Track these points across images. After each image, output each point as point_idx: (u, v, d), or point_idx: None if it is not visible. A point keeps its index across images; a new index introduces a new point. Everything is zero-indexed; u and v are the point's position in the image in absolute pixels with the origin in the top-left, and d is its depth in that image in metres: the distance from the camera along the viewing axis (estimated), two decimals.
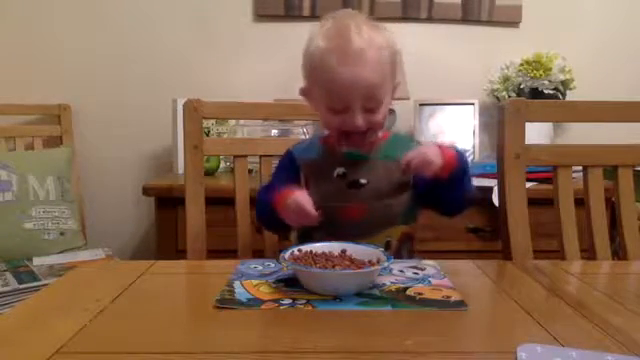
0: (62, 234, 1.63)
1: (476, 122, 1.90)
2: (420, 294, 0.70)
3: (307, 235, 0.87)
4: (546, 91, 1.83)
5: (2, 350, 0.54)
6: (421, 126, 1.93)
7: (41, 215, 1.61)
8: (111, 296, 0.69)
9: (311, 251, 0.78)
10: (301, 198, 0.81)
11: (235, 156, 1.14)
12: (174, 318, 0.65)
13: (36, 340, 0.56)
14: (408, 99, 1.85)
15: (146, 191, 1.56)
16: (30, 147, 1.86)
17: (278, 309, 0.65)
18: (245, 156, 1.15)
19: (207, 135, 1.75)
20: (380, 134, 0.91)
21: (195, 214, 1.08)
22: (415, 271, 0.80)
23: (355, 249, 0.78)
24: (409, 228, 0.92)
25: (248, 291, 0.70)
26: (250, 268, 0.81)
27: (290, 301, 0.67)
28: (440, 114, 1.93)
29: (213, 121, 1.80)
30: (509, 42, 1.99)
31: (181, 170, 1.46)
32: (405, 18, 1.97)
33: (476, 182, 1.57)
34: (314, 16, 1.94)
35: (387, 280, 0.75)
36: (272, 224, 0.95)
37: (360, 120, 0.82)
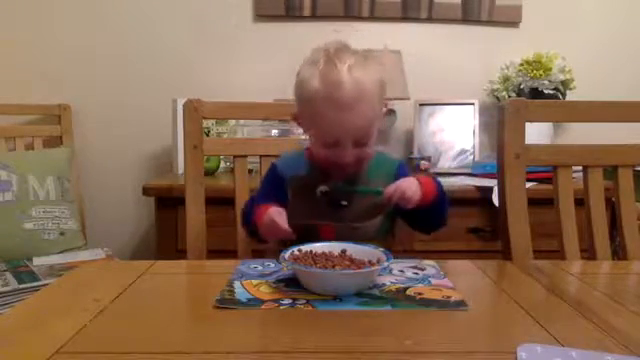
0: (62, 234, 1.63)
1: (476, 122, 1.90)
2: (420, 294, 0.70)
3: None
4: (546, 91, 1.83)
5: (2, 350, 0.54)
6: (421, 126, 1.93)
7: (41, 215, 1.61)
8: (111, 296, 0.69)
9: (311, 251, 0.78)
10: (275, 214, 0.83)
11: (235, 156, 1.15)
12: (174, 318, 0.65)
13: (36, 340, 0.56)
14: (408, 99, 1.85)
15: (146, 191, 1.56)
16: (30, 147, 1.86)
17: (278, 309, 0.65)
18: (245, 156, 1.15)
19: (207, 135, 1.75)
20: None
21: (195, 214, 1.08)
22: (415, 271, 0.80)
23: (355, 249, 0.78)
24: (386, 243, 0.92)
25: (248, 291, 0.70)
26: (250, 268, 0.81)
27: (290, 301, 0.67)
28: (440, 114, 1.93)
29: (213, 121, 1.80)
30: (509, 42, 1.99)
31: (181, 170, 1.46)
32: (405, 18, 1.97)
33: (476, 182, 1.59)
34: (314, 16, 1.95)
35: (387, 280, 0.75)
36: (254, 236, 0.97)
37: (349, 156, 0.86)
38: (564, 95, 1.85)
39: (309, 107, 0.86)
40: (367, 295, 0.69)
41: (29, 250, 1.56)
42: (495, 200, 1.43)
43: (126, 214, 2.01)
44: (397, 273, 0.78)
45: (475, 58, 2.00)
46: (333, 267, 0.72)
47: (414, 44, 1.96)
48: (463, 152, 1.90)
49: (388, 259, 0.73)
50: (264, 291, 0.71)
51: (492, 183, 1.46)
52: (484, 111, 1.94)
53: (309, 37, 1.91)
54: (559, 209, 1.02)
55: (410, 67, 1.86)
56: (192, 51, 1.98)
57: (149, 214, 1.91)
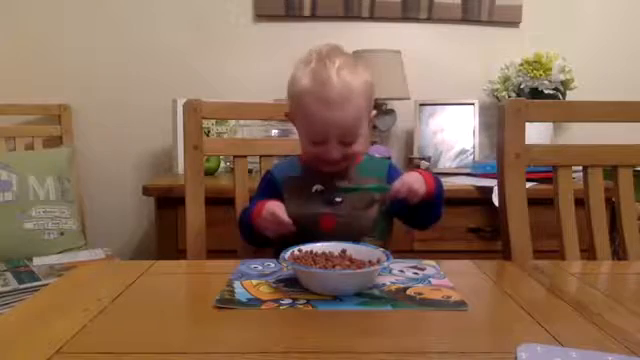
0: (62, 234, 1.63)
1: (476, 122, 1.90)
2: (420, 294, 0.70)
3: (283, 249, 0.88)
4: (546, 91, 1.83)
5: (2, 350, 0.54)
6: (421, 126, 1.93)
7: (41, 215, 1.61)
8: (111, 296, 0.69)
9: (311, 251, 0.78)
10: (274, 207, 0.85)
11: (235, 156, 1.14)
12: (174, 318, 0.65)
13: (36, 340, 0.56)
14: (408, 99, 1.85)
15: (146, 191, 1.56)
16: (30, 147, 1.86)
17: (278, 309, 0.65)
18: (245, 156, 1.15)
19: (207, 135, 1.75)
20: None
21: (195, 214, 1.08)
22: (415, 271, 0.80)
23: (355, 249, 0.78)
24: (382, 243, 0.94)
25: (248, 291, 0.70)
26: (250, 268, 0.81)
27: (290, 301, 0.67)
28: (440, 114, 1.93)
29: (213, 121, 1.80)
30: (509, 42, 1.99)
31: (181, 170, 1.46)
32: (405, 18, 1.97)
33: (476, 182, 1.59)
34: (314, 16, 1.95)
35: (387, 280, 0.75)
36: (254, 240, 0.99)
37: (335, 153, 0.89)
38: (564, 95, 1.85)
39: (299, 104, 0.89)
40: (367, 295, 0.69)
41: (29, 250, 1.56)
42: (495, 200, 1.43)
43: (126, 214, 2.01)
44: (397, 273, 0.78)
45: (475, 58, 2.00)
46: (333, 267, 0.72)
47: (414, 44, 1.97)
48: (463, 152, 1.90)
49: (388, 259, 0.73)
50: (264, 291, 0.71)
51: (492, 183, 1.46)
52: (484, 111, 1.94)
53: (309, 37, 1.92)
54: (559, 209, 1.02)
55: (410, 67, 1.87)
56: (192, 51, 1.98)
57: (149, 214, 1.91)
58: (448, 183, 1.53)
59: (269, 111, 1.22)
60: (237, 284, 0.73)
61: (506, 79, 1.90)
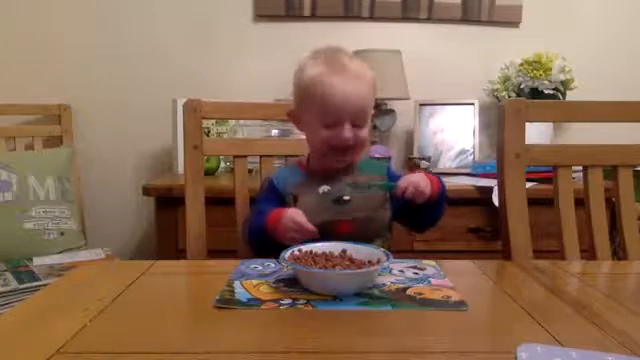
0: (62, 234, 1.63)
1: (476, 122, 1.90)
2: (420, 294, 0.70)
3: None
4: (546, 91, 1.83)
5: (2, 350, 0.54)
6: (421, 126, 1.93)
7: (41, 215, 1.61)
8: (111, 296, 0.69)
9: (311, 251, 0.78)
10: (297, 216, 0.83)
11: (235, 156, 1.14)
12: (174, 318, 0.65)
13: (36, 340, 0.56)
14: (408, 99, 1.85)
15: (146, 191, 1.56)
16: (30, 147, 1.86)
17: (278, 309, 0.65)
18: (245, 156, 1.15)
19: (207, 135, 1.75)
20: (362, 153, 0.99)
21: (195, 214, 1.08)
22: (415, 271, 0.80)
23: (355, 249, 0.78)
24: (386, 243, 0.95)
25: (248, 291, 0.70)
26: (250, 268, 0.81)
27: (290, 301, 0.67)
28: (440, 114, 1.93)
29: (213, 121, 1.80)
30: (509, 42, 1.99)
31: (181, 170, 1.46)
32: (405, 18, 1.97)
33: (476, 182, 1.59)
34: (314, 16, 1.95)
35: (387, 280, 0.75)
36: (265, 249, 0.94)
37: (348, 133, 0.90)
38: (564, 95, 1.85)
39: (312, 89, 0.90)
40: (367, 295, 0.69)
41: (29, 250, 1.56)
42: (495, 200, 1.43)
43: (126, 214, 2.01)
44: (397, 273, 0.78)
45: (475, 58, 2.00)
46: (333, 267, 0.72)
47: (414, 44, 1.97)
48: (463, 152, 1.90)
49: (388, 259, 0.73)
50: (264, 291, 0.71)
51: (492, 183, 1.46)
52: (484, 111, 1.94)
53: (309, 37, 1.92)
54: (559, 209, 1.02)
55: (410, 67, 1.87)
56: (192, 51, 1.98)
57: (149, 214, 1.91)
58: (448, 183, 1.52)
59: (269, 111, 1.22)
60: (237, 284, 0.73)
61: (506, 79, 1.90)
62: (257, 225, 0.91)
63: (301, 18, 1.96)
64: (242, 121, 1.77)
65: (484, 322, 0.66)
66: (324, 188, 0.94)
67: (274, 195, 0.97)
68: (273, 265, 0.82)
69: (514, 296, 0.71)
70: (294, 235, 0.83)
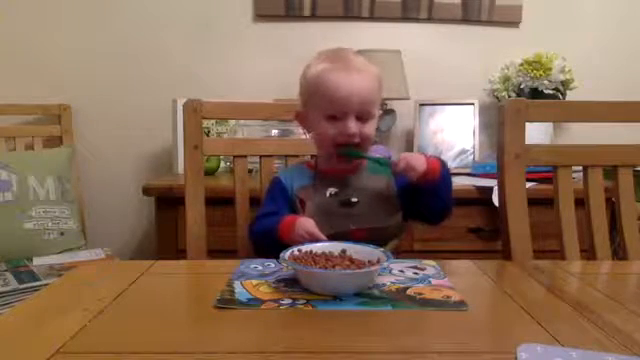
0: (62, 234, 1.63)
1: (476, 122, 1.90)
2: (420, 294, 0.70)
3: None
4: (546, 91, 1.83)
5: (2, 350, 0.54)
6: (421, 126, 1.93)
7: (41, 215, 1.61)
8: (111, 296, 0.69)
9: (311, 251, 0.78)
10: (310, 226, 0.85)
11: (235, 156, 1.14)
12: (174, 318, 0.65)
13: (36, 340, 0.56)
14: (408, 99, 1.85)
15: (146, 191, 1.56)
16: (30, 147, 1.86)
17: (278, 309, 0.65)
18: (245, 156, 1.15)
19: (207, 135, 1.75)
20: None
21: (195, 214, 1.08)
22: (415, 271, 0.80)
23: (355, 249, 0.78)
24: (399, 241, 0.97)
25: (248, 291, 0.70)
26: (250, 268, 0.81)
27: (290, 301, 0.67)
28: (440, 114, 1.93)
29: (213, 121, 1.80)
30: (509, 42, 1.99)
31: (181, 170, 1.46)
32: (405, 18, 1.97)
33: (476, 182, 1.59)
34: (314, 16, 1.95)
35: (387, 280, 0.75)
36: (272, 252, 0.95)
37: (353, 127, 0.91)
38: (564, 95, 1.85)
39: (319, 83, 0.91)
40: (367, 295, 0.69)
41: (29, 250, 1.56)
42: (495, 200, 1.43)
43: (126, 214, 2.01)
44: (397, 273, 0.78)
45: (475, 58, 2.00)
46: (333, 267, 0.72)
47: (414, 44, 1.97)
48: (463, 152, 1.90)
49: (388, 259, 0.73)
50: (264, 291, 0.71)
51: (492, 183, 1.46)
52: (484, 111, 1.94)
53: (309, 37, 1.92)
54: (559, 209, 1.02)
55: (410, 67, 1.86)
56: (192, 51, 1.98)
57: (149, 214, 1.91)
58: None
59: (269, 111, 1.22)
60: (237, 284, 0.73)
61: (506, 79, 1.90)
62: (265, 229, 0.92)
63: (301, 18, 1.96)
64: (242, 121, 1.77)
65: (484, 322, 0.66)
66: (331, 190, 0.94)
67: (281, 194, 0.98)
68: (273, 265, 0.82)
69: (514, 296, 0.71)
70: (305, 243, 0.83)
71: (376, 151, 1.73)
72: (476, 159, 1.87)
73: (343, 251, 0.78)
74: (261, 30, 1.98)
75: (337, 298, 0.68)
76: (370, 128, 0.93)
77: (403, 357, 0.52)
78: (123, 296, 0.70)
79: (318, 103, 0.92)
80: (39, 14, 1.95)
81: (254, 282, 0.74)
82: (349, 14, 1.96)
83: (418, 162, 0.87)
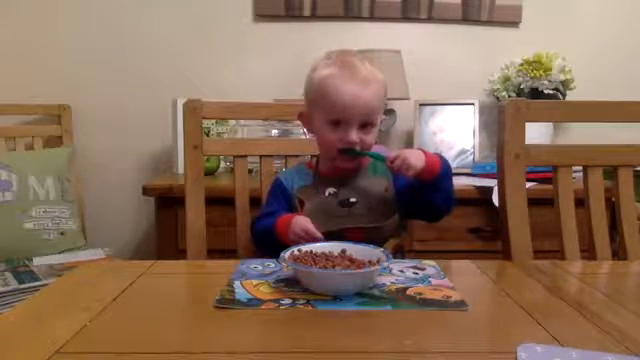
0: (62, 234, 1.63)
1: (476, 122, 1.90)
2: (420, 294, 0.70)
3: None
4: (546, 91, 1.83)
5: (2, 350, 0.54)
6: (421, 126, 1.93)
7: (41, 215, 1.61)
8: (111, 296, 0.69)
9: (311, 251, 0.78)
10: (306, 223, 0.86)
11: (235, 156, 1.14)
12: (174, 318, 0.65)
13: (36, 340, 0.56)
14: (408, 99, 1.85)
15: (146, 191, 1.56)
16: (30, 147, 1.86)
17: (278, 309, 0.65)
18: (245, 156, 1.15)
19: (207, 135, 1.75)
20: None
21: (195, 214, 1.08)
22: (415, 271, 0.80)
23: (355, 249, 0.78)
24: (400, 240, 0.96)
25: (248, 291, 0.70)
26: (250, 268, 0.81)
27: (290, 301, 0.67)
28: (440, 114, 1.93)
29: (213, 121, 1.80)
30: (509, 42, 1.99)
31: (181, 170, 1.46)
32: (405, 18, 1.97)
33: (476, 182, 1.59)
34: (314, 16, 1.95)
35: (387, 280, 0.75)
36: (271, 251, 0.95)
37: (355, 136, 0.91)
38: (564, 95, 1.85)
39: (323, 88, 0.91)
40: (367, 295, 0.69)
41: (29, 250, 1.56)
42: (495, 200, 1.43)
43: (126, 214, 2.01)
44: (397, 273, 0.78)
45: (475, 58, 2.00)
46: (333, 267, 0.71)
47: (414, 44, 1.97)
48: (463, 152, 1.90)
49: (388, 259, 0.73)
50: (264, 291, 0.71)
51: (492, 183, 1.46)
52: (484, 111, 1.94)
53: (309, 37, 1.92)
54: (559, 209, 1.02)
55: (410, 67, 1.87)
56: (192, 51, 1.98)
57: (149, 214, 1.91)
58: None
59: (269, 111, 1.22)
60: (237, 284, 0.73)
61: (506, 79, 1.90)
62: (264, 229, 0.93)
63: (301, 18, 1.96)
64: (242, 121, 1.77)
65: (484, 322, 0.66)
66: (330, 190, 0.94)
67: (281, 194, 0.98)
68: (273, 265, 0.82)
69: (514, 296, 0.71)
70: (302, 242, 0.84)
71: (376, 151, 1.73)
72: (476, 159, 1.87)
73: (343, 251, 0.78)
74: (261, 30, 1.98)
75: (337, 298, 0.68)
76: (372, 136, 0.93)
77: (403, 357, 0.52)
78: (123, 296, 0.70)
79: (322, 107, 0.92)
80: (39, 14, 1.95)
81: (254, 282, 0.74)
82: (349, 14, 1.96)
83: (416, 160, 0.86)
